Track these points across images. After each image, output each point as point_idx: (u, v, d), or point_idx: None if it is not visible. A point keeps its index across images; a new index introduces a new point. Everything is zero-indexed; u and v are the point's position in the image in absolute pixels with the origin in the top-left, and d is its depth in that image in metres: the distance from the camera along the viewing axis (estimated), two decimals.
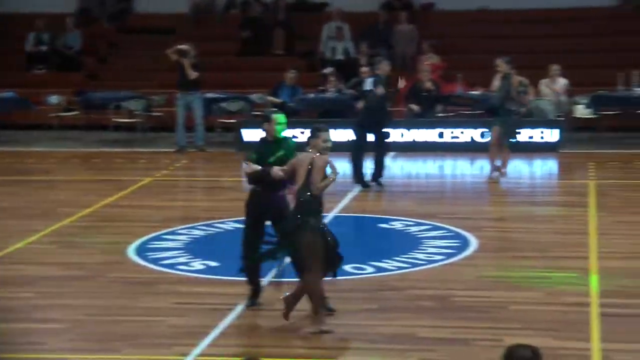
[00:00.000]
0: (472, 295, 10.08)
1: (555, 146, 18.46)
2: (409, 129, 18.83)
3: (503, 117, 15.46)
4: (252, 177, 9.49)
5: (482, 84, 18.65)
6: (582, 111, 19.77)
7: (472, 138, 18.71)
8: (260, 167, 9.38)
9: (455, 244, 12.03)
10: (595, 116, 19.77)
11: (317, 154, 8.90)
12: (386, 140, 15.64)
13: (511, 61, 15.37)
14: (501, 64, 15.40)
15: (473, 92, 19.64)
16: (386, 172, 16.06)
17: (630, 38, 22.24)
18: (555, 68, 19.50)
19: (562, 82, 19.53)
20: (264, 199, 9.49)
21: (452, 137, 18.84)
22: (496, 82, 15.76)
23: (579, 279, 10.45)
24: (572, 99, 19.77)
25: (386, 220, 13.41)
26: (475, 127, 18.68)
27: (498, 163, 15.74)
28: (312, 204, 8.86)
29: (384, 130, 15.52)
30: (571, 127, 19.65)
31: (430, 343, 8.75)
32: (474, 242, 12.06)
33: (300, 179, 8.91)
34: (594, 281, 10.37)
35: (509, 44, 21.17)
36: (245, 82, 22.02)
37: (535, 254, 11.66)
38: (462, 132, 18.81)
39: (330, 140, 8.98)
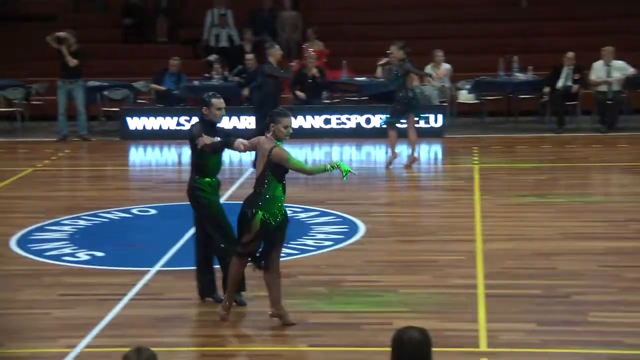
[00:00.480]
0: (361, 279, 10.13)
1: (439, 131, 18.67)
2: (295, 116, 18.79)
3: (407, 103, 15.45)
4: (212, 149, 8.92)
5: (367, 71, 18.75)
6: (465, 96, 20.04)
7: (358, 124, 18.80)
8: (219, 139, 8.93)
9: (343, 230, 12.06)
10: (477, 101, 20.06)
11: (274, 147, 8.51)
12: None
13: (404, 46, 15.38)
14: (395, 50, 15.39)
15: (358, 78, 19.71)
16: None
17: (511, 24, 22.65)
18: (439, 54, 19.71)
19: (445, 67, 19.75)
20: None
21: (338, 124, 18.90)
22: (380, 69, 15.79)
23: (465, 262, 10.60)
24: (455, 85, 20.02)
25: None
26: (361, 114, 18.78)
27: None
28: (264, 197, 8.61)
29: None
30: (455, 113, 19.93)
31: (320, 328, 8.75)
32: (362, 228, 12.12)
33: (259, 168, 8.63)
34: (479, 263, 10.52)
35: (392, 29, 21.29)
36: (129, 70, 21.67)
37: (423, 238, 11.79)
38: (348, 119, 18.89)
39: (291, 126, 8.68)
